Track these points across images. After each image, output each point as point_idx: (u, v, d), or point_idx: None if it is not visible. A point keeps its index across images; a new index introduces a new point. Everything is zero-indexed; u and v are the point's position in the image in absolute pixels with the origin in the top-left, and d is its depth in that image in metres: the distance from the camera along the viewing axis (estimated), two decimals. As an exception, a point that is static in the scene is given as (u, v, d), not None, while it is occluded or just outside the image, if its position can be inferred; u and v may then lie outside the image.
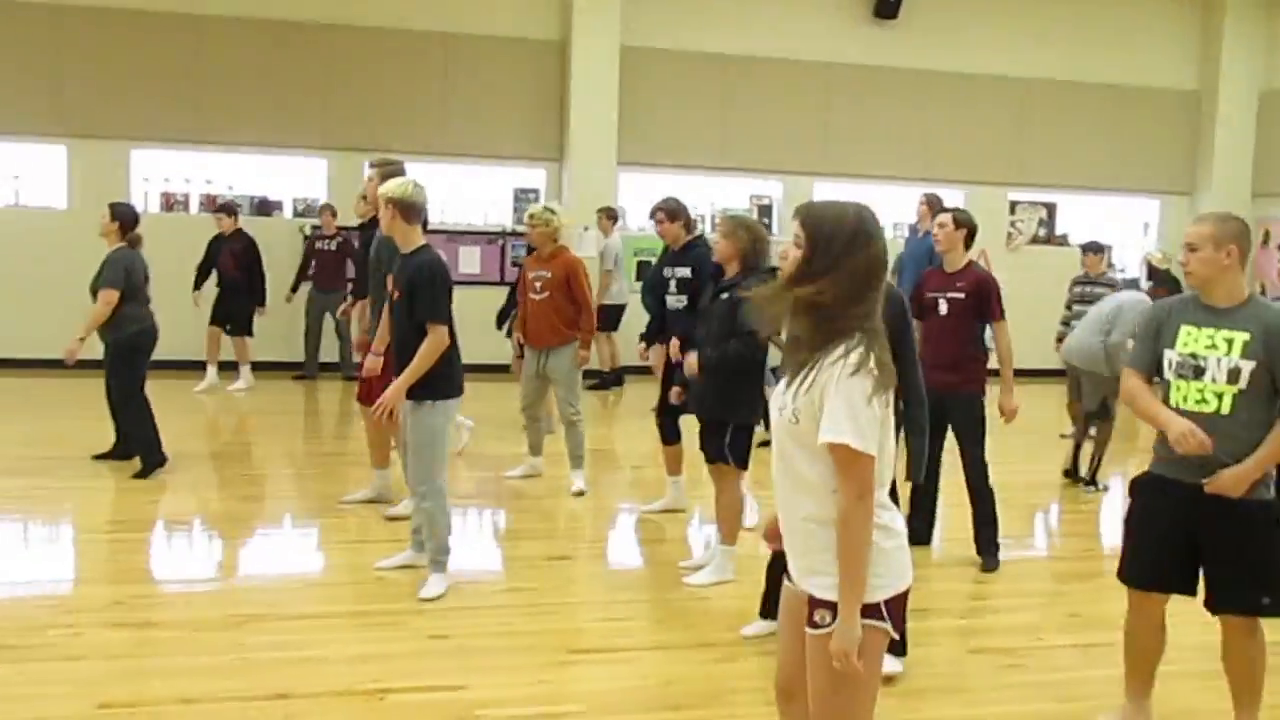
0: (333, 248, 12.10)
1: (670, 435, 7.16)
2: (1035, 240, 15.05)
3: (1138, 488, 4.10)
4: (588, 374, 11.77)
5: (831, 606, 2.75)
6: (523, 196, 13.30)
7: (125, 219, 7.91)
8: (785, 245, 2.89)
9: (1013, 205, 14.88)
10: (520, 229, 12.56)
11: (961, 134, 14.35)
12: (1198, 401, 3.84)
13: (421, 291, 5.43)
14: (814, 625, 2.79)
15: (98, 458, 8.06)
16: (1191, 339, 3.87)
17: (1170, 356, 3.91)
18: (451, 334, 5.52)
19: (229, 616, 5.11)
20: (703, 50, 13.51)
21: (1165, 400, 3.92)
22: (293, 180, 12.98)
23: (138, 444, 7.85)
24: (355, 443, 8.82)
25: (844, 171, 13.80)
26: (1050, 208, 15.09)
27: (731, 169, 13.87)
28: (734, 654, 4.93)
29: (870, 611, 2.74)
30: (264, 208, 12.99)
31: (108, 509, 7.22)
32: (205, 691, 4.30)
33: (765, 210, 14.24)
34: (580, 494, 7.68)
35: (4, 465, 7.88)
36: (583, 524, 7.32)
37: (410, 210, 5.53)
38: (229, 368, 11.69)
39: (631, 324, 12.14)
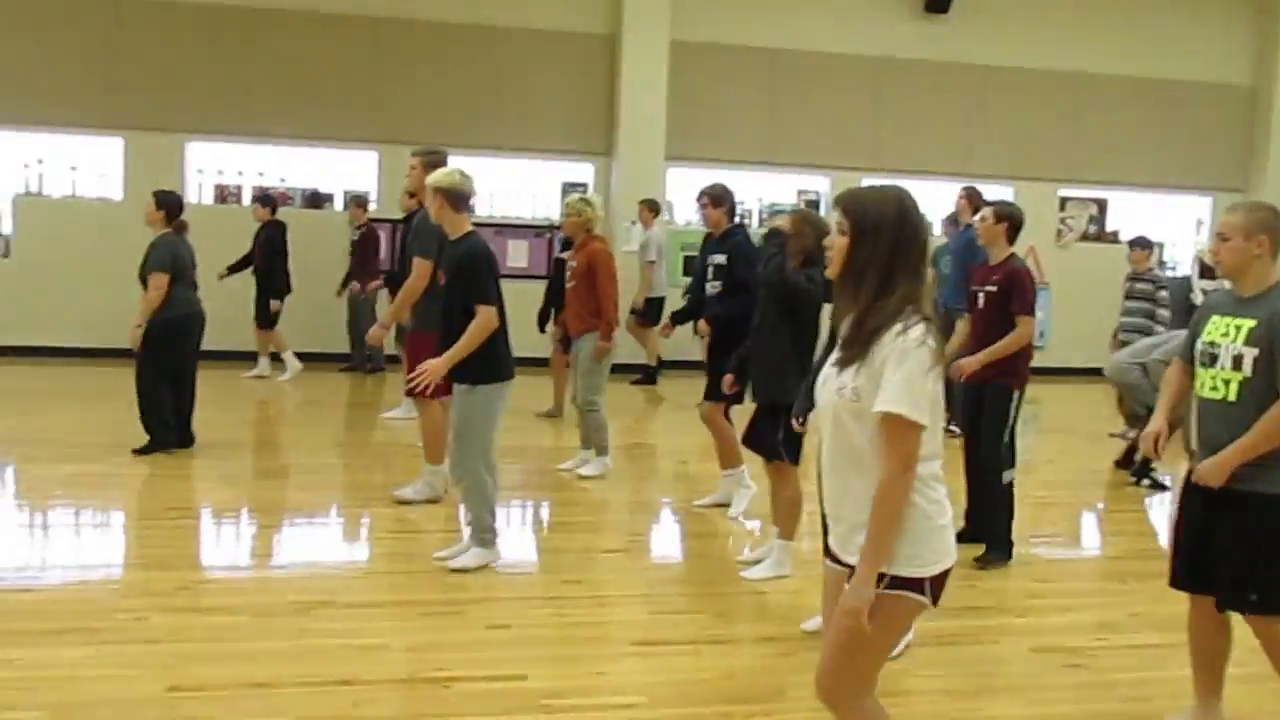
0: (356, 239, 12.14)
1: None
2: (1085, 237, 14.90)
3: (1181, 489, 4.10)
4: (631, 368, 11.80)
5: (879, 575, 2.82)
6: (570, 190, 13.31)
7: (170, 206, 8.07)
8: (831, 236, 2.96)
9: (1063, 202, 14.75)
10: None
11: (1012, 129, 14.23)
12: (1211, 389, 3.88)
13: (467, 275, 5.54)
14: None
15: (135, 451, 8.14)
16: (1214, 327, 3.91)
17: (1198, 345, 3.96)
18: (501, 318, 5.59)
19: (291, 603, 5.16)
20: (751, 44, 13.48)
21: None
22: (344, 173, 13.08)
23: (149, 420, 7.96)
24: (404, 433, 8.88)
25: (892, 167, 13.68)
26: (1101, 204, 14.94)
27: (779, 164, 13.84)
28: (794, 648, 4.92)
29: (914, 585, 2.83)
30: (315, 200, 13.11)
31: (165, 495, 7.29)
32: (273, 676, 4.35)
33: (813, 206, 14.18)
34: (583, 478, 7.84)
35: (62, 452, 7.99)
36: (631, 517, 7.34)
37: (458, 198, 5.67)
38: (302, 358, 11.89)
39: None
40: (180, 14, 12.32)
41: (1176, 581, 4.11)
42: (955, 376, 6.14)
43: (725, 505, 7.18)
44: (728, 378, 6.40)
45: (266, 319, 11.75)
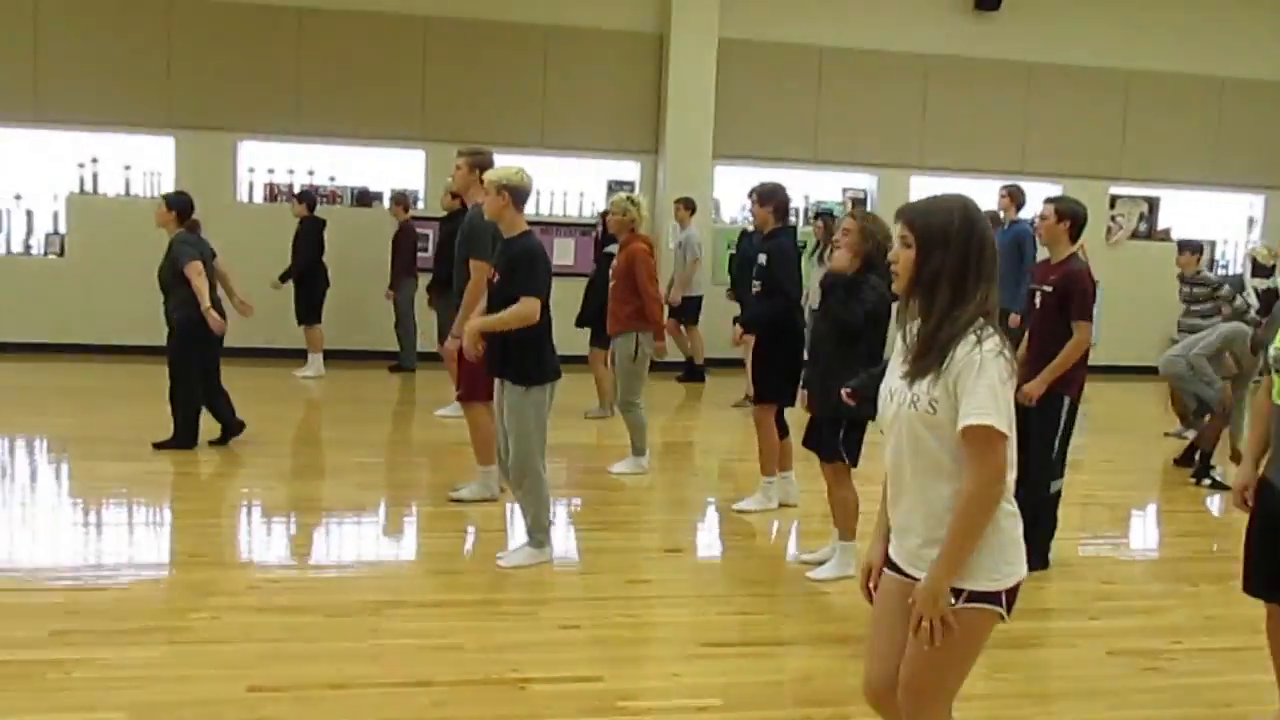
0: (393, 237, 12.14)
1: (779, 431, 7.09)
2: (1135, 235, 14.74)
3: (1255, 493, 3.99)
4: (673, 365, 11.75)
5: (957, 591, 2.79)
6: (616, 188, 13.30)
7: (180, 207, 8.16)
8: (894, 250, 2.91)
9: (1113, 200, 14.59)
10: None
11: (1061, 127, 14.09)
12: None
13: (523, 271, 5.56)
14: None
15: (212, 443, 8.23)
16: None
17: (1271, 352, 3.86)
18: (546, 321, 5.60)
19: (363, 602, 5.18)
20: (798, 42, 13.41)
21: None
22: (392, 172, 13.12)
23: (181, 417, 8.03)
24: (454, 430, 8.89)
25: (940, 165, 13.62)
26: (1152, 202, 14.77)
27: (826, 162, 13.76)
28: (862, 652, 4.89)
29: (992, 598, 2.81)
30: (364, 199, 13.16)
31: (226, 493, 7.36)
32: (350, 676, 4.36)
33: (859, 204, 14.09)
34: (617, 475, 7.89)
35: (121, 450, 8.05)
36: (688, 516, 7.34)
37: (520, 195, 5.65)
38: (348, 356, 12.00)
39: (711, 315, 12.12)
40: (232, 13, 12.40)
41: (1246, 588, 4.01)
42: (1023, 400, 5.59)
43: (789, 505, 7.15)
44: (845, 391, 5.47)
45: (311, 315, 11.80)
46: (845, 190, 14.05)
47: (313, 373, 11.76)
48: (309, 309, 11.81)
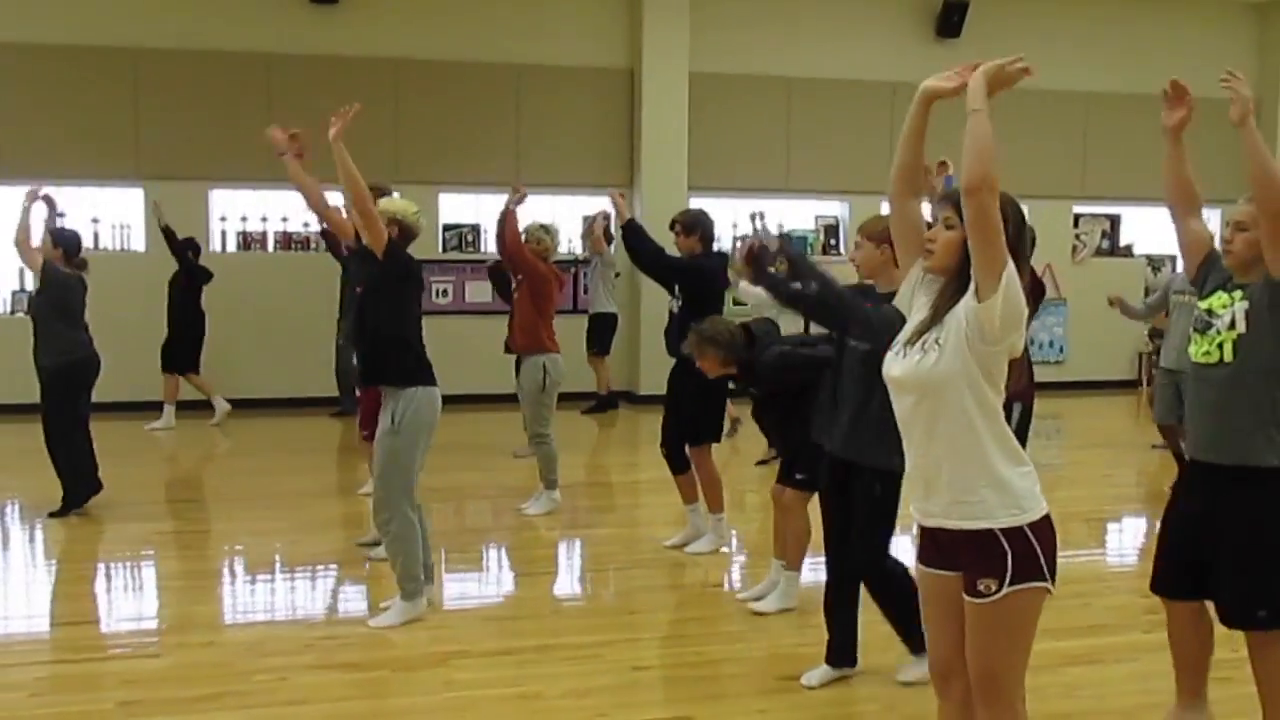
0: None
1: (679, 464, 6.87)
2: (1099, 253, 15.05)
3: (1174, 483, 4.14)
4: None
5: (997, 575, 2.89)
6: (600, 216, 13.23)
7: (66, 244, 7.85)
8: (934, 229, 3.11)
9: (1076, 219, 14.90)
10: (587, 256, 12.77)
11: (1025, 149, 14.31)
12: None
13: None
14: (978, 595, 2.94)
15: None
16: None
17: (1196, 310, 4.09)
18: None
19: (428, 654, 5.09)
20: (767, 73, 13.56)
21: None
22: (366, 215, 12.96)
23: (70, 476, 7.59)
24: (472, 475, 8.82)
25: (909, 190, 13.78)
26: (1114, 219, 15.10)
27: (798, 190, 13.91)
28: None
29: (1033, 572, 2.90)
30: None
31: (249, 548, 7.14)
32: (441, 732, 4.29)
33: (831, 230, 14.27)
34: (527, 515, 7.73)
35: (131, 510, 7.83)
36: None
37: (408, 236, 5.61)
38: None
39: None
40: (197, 61, 12.21)
41: (1159, 586, 4.04)
42: None
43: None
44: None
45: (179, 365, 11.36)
46: (817, 218, 14.20)
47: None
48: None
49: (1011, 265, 2.89)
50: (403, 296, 5.52)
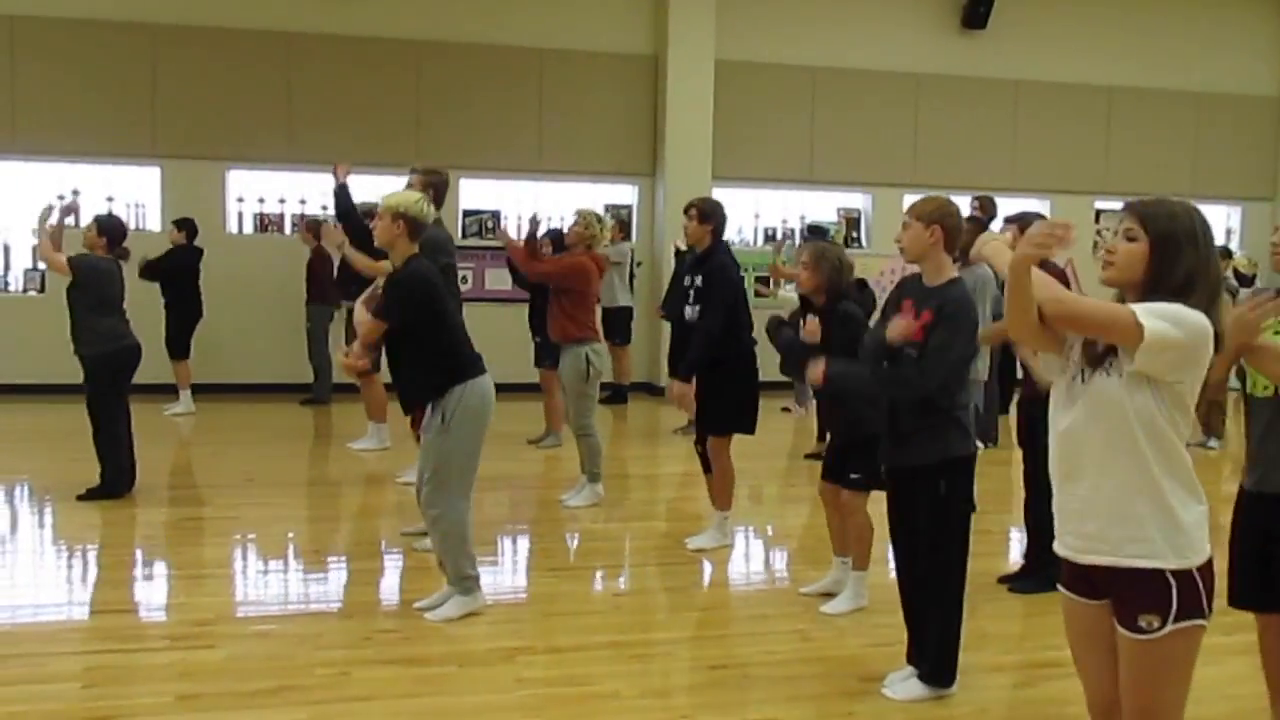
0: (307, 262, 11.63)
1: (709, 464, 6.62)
2: (1121, 248, 14.92)
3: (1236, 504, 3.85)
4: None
5: (1160, 611, 2.75)
6: (613, 211, 13.10)
7: (111, 232, 7.76)
8: (1112, 241, 2.86)
9: (1098, 214, 14.77)
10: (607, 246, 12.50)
11: (1048, 143, 14.25)
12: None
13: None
14: (1138, 630, 2.79)
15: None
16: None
17: None
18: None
19: (492, 650, 4.91)
20: (792, 63, 13.39)
21: None
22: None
23: (109, 461, 7.49)
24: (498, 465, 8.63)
25: (933, 182, 13.58)
26: (1136, 215, 14.98)
27: (820, 182, 13.75)
28: (1031, 678, 4.77)
29: (1195, 609, 2.76)
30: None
31: (297, 536, 6.92)
32: (522, 731, 4.10)
33: (854, 223, 14.11)
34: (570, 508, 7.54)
35: (163, 495, 7.67)
36: (764, 543, 7.14)
37: (417, 228, 5.22)
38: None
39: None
40: (216, 39, 12.00)
41: (1237, 600, 3.84)
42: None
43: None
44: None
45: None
46: (839, 209, 14.04)
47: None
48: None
49: (1170, 308, 2.72)
50: (430, 322, 5.18)
